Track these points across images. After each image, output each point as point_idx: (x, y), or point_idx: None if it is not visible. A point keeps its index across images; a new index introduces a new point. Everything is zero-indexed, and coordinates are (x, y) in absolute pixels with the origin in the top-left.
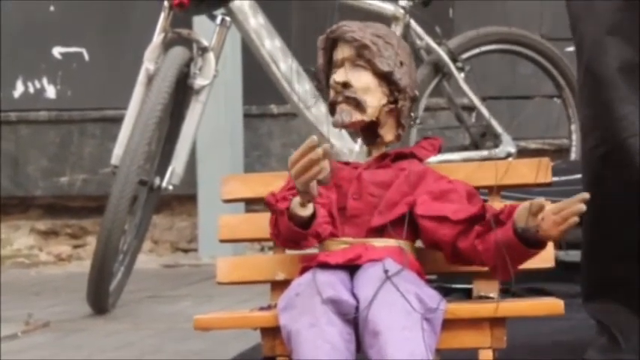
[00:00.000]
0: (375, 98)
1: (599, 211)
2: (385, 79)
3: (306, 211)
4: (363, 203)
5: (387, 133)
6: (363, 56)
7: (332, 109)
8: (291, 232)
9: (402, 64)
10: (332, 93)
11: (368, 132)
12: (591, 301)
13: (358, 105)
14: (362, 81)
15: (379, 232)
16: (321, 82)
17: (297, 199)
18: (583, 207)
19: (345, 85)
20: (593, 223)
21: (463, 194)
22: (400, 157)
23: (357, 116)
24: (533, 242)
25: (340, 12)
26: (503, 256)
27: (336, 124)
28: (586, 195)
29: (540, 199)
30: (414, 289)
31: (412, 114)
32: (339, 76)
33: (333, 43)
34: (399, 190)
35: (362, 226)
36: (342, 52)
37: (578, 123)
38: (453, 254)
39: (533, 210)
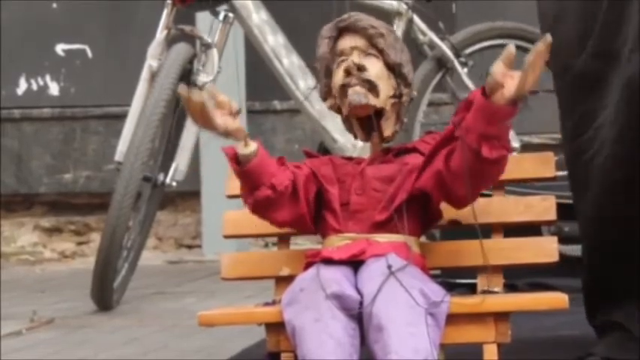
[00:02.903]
0: (386, 86)
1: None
2: (394, 71)
3: (248, 149)
4: (367, 198)
5: (388, 128)
6: (376, 45)
7: (343, 91)
8: (239, 177)
9: (407, 62)
10: (342, 76)
11: (368, 125)
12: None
13: (372, 89)
14: (375, 67)
15: (383, 227)
16: (319, 71)
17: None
18: (542, 47)
19: (361, 68)
20: (588, 227)
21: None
22: (403, 152)
23: (371, 99)
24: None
25: (344, 8)
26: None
27: (351, 105)
28: (548, 38)
29: (511, 46)
30: (417, 284)
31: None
32: (355, 58)
33: (339, 33)
34: (402, 184)
35: (366, 222)
36: (352, 41)
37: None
38: (452, 180)
39: (505, 58)
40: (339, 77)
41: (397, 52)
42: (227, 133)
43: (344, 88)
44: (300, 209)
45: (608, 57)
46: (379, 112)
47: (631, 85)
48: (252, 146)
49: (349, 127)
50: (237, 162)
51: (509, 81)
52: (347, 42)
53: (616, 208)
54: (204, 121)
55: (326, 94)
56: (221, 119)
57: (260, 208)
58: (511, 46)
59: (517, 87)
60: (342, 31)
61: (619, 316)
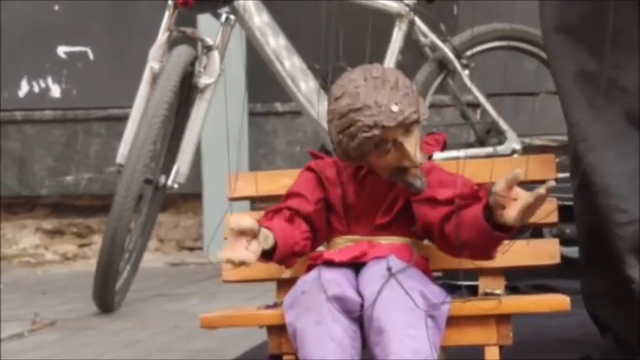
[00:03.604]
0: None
1: (583, 218)
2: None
3: (268, 243)
4: (371, 201)
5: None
6: (410, 127)
7: (399, 173)
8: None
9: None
10: (393, 169)
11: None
12: (592, 301)
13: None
14: (417, 143)
15: (385, 229)
16: (347, 154)
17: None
18: (543, 192)
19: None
20: (580, 230)
21: (459, 184)
22: None
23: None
24: (498, 224)
25: (346, 10)
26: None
27: (416, 192)
28: (552, 183)
29: (517, 171)
30: (418, 287)
31: None
32: (413, 152)
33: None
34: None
35: (369, 224)
36: (392, 134)
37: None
38: (441, 239)
39: (508, 180)
40: (392, 167)
41: (420, 111)
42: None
43: (400, 174)
44: (320, 241)
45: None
46: None
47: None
48: (270, 238)
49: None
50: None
51: (510, 204)
52: (391, 134)
53: None
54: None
55: (346, 159)
56: (249, 256)
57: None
58: (518, 172)
59: (515, 219)
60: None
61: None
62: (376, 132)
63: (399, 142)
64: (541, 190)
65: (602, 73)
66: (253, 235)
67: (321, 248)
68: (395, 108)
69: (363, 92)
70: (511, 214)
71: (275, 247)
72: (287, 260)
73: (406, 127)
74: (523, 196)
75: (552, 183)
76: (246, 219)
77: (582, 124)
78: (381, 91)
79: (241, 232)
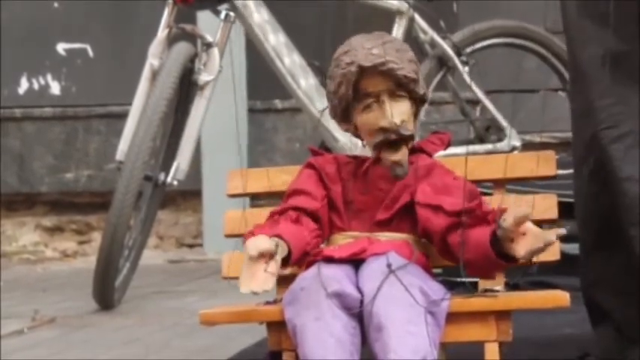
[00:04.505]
0: (413, 124)
1: (594, 205)
2: (417, 100)
3: (283, 253)
4: (371, 197)
5: None
6: (405, 87)
7: (378, 146)
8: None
9: (422, 79)
10: (376, 132)
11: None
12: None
13: (410, 139)
14: (407, 113)
15: (385, 225)
16: (337, 111)
17: None
18: (554, 240)
19: (400, 124)
20: (589, 217)
21: (465, 191)
22: (408, 151)
23: (406, 160)
24: (503, 254)
25: (346, 7)
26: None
27: (392, 175)
28: (562, 231)
29: (527, 210)
30: (418, 283)
31: None
32: (396, 115)
33: (360, 73)
34: (406, 184)
35: (369, 220)
36: (378, 84)
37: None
38: (442, 247)
39: (517, 219)
40: (372, 121)
41: (421, 84)
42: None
43: (383, 145)
44: (325, 236)
45: None
46: None
47: None
48: (284, 247)
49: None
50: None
51: (519, 239)
52: (374, 84)
53: None
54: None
55: (341, 119)
56: (265, 282)
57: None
58: (528, 210)
59: (523, 256)
60: (365, 70)
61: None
62: (352, 69)
63: (382, 100)
64: (551, 236)
65: (633, 53)
66: (271, 255)
67: (320, 245)
68: (375, 51)
69: (356, 40)
70: (520, 250)
71: (289, 253)
72: (301, 261)
73: (389, 78)
74: (533, 238)
75: (563, 231)
76: (264, 240)
77: (611, 110)
78: (373, 41)
79: (261, 255)
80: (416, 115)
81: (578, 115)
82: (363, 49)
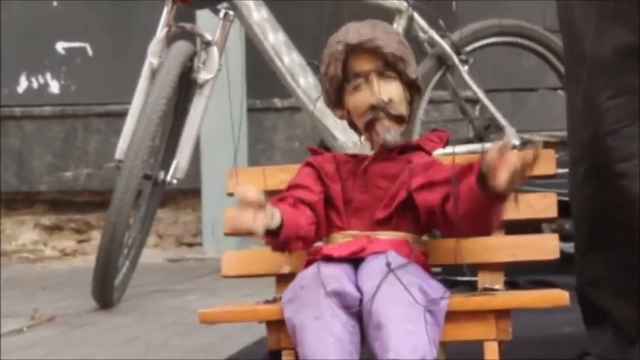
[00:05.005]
0: (405, 108)
1: (590, 203)
2: (409, 85)
3: (275, 222)
4: (370, 196)
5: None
6: (394, 67)
7: (370, 125)
8: (274, 247)
9: (416, 67)
10: (365, 112)
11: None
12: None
13: (400, 120)
14: (396, 93)
15: (385, 224)
16: (325, 82)
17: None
18: (531, 158)
19: (389, 102)
20: (584, 216)
21: (454, 164)
22: (407, 149)
23: (400, 132)
24: (492, 194)
25: (345, 6)
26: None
27: (383, 143)
28: (540, 143)
29: (509, 139)
30: (417, 282)
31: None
32: (384, 93)
33: (348, 52)
34: (404, 182)
35: (368, 219)
36: (367, 64)
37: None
38: (443, 221)
39: (499, 147)
40: (361, 100)
41: (412, 66)
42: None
43: (372, 123)
44: (322, 233)
45: None
46: None
47: None
48: (277, 217)
49: (357, 130)
50: (268, 233)
51: (502, 170)
52: (362, 64)
53: None
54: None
55: (335, 105)
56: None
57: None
58: (510, 139)
59: (506, 181)
60: (353, 49)
61: (617, 317)
62: (339, 47)
63: (370, 79)
64: (529, 153)
65: None
66: (259, 206)
67: (320, 243)
68: (363, 30)
69: (348, 24)
70: (502, 177)
71: (281, 228)
72: (291, 243)
73: (377, 57)
74: (512, 162)
75: (541, 143)
76: (253, 190)
77: (618, 112)
78: (363, 24)
79: (247, 204)
80: (411, 103)
81: (577, 114)
82: (352, 30)
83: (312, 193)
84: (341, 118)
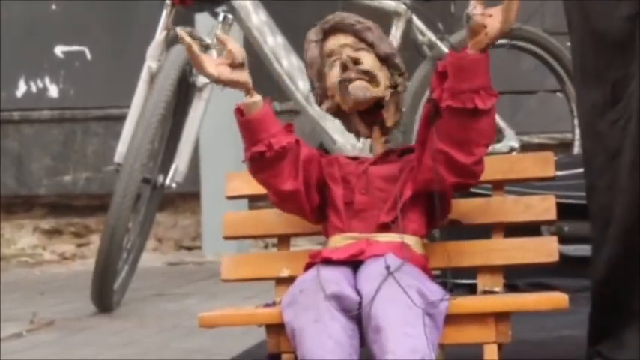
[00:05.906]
0: (382, 77)
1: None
2: (386, 62)
3: (250, 99)
4: (371, 198)
5: (389, 118)
6: (365, 40)
7: (342, 87)
8: (241, 129)
9: (397, 53)
10: (339, 72)
11: (369, 118)
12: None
13: (372, 79)
14: (370, 64)
15: (387, 227)
16: (311, 77)
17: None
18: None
19: (356, 61)
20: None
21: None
22: (407, 152)
23: (373, 91)
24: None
25: (343, 9)
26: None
27: (355, 100)
28: None
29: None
30: (416, 284)
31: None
32: (350, 52)
33: (325, 35)
34: (407, 183)
35: (370, 221)
36: (341, 40)
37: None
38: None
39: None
40: (335, 74)
41: (386, 43)
42: (226, 83)
43: (343, 83)
44: (297, 183)
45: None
46: (379, 103)
47: None
48: (257, 98)
49: (349, 127)
50: (242, 113)
51: (489, 20)
52: (335, 42)
53: None
54: (198, 66)
55: (322, 98)
56: (214, 68)
57: (257, 170)
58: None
59: (502, 23)
60: (328, 33)
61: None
62: (314, 30)
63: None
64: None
65: None
66: (239, 65)
67: (319, 246)
68: (337, 17)
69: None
70: (495, 22)
71: (254, 110)
72: (255, 136)
73: (349, 34)
74: (501, 9)
75: None
76: (239, 48)
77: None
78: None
79: (227, 54)
80: (395, 86)
81: (591, 108)
82: (327, 18)
83: (306, 147)
84: (328, 110)
